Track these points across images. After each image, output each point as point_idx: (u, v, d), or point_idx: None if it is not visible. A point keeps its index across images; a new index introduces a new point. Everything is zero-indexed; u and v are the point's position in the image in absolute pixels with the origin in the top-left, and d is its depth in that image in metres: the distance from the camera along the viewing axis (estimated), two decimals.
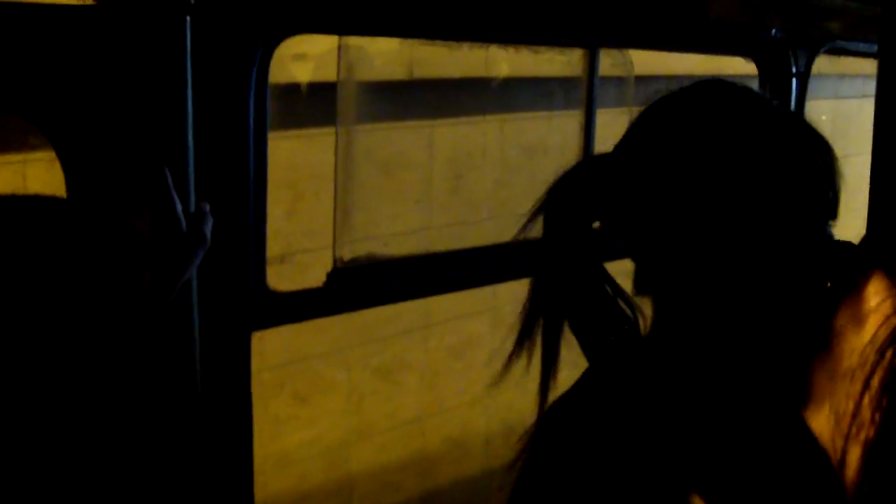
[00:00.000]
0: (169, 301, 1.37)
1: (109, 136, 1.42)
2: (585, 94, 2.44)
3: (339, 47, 2.28)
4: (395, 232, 3.16)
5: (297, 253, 2.86)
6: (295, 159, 2.80)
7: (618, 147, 1.30)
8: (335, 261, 1.85)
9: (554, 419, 1.30)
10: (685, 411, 1.22)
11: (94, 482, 1.02)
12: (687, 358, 1.26)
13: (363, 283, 1.88)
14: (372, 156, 3.00)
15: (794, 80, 2.48)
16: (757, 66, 2.47)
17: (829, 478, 1.20)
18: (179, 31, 1.43)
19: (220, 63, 1.52)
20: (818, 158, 1.21)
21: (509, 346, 1.34)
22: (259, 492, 3.22)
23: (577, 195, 1.29)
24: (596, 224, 1.31)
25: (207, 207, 1.45)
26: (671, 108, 1.26)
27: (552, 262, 1.31)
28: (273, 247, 1.68)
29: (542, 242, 1.32)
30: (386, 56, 2.76)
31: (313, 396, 3.39)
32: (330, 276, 1.83)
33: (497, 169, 3.53)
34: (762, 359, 1.28)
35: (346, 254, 1.86)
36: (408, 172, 3.24)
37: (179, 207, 1.40)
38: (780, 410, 1.26)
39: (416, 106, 3.18)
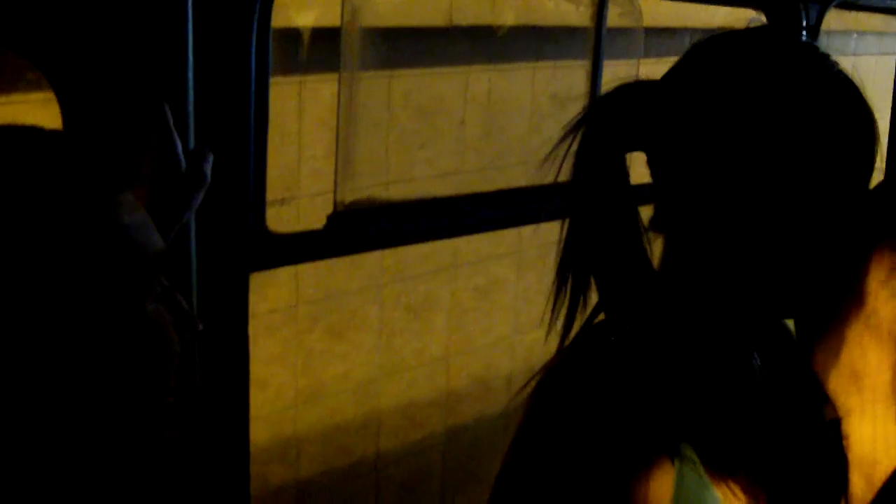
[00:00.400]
0: (167, 241, 1.37)
1: (107, 74, 1.41)
2: (593, 43, 2.43)
3: None
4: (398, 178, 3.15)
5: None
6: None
7: (665, 77, 1.27)
8: (335, 204, 1.85)
9: (555, 378, 1.26)
10: (684, 361, 1.21)
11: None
12: (691, 304, 1.25)
13: (362, 227, 1.87)
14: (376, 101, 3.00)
15: (804, 34, 2.45)
16: (767, 20, 2.45)
17: (832, 434, 1.20)
18: None
19: (222, 5, 1.50)
20: (862, 126, 1.18)
21: (533, 287, 1.33)
22: (291, 425, 3.35)
23: (616, 117, 1.26)
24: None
25: (209, 150, 1.45)
26: (728, 48, 1.24)
27: (586, 191, 1.28)
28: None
29: (576, 166, 1.29)
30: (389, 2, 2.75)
31: (346, 332, 3.40)
32: (330, 218, 1.83)
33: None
34: (771, 312, 1.28)
35: (347, 197, 1.86)
36: (417, 118, 3.22)
37: (180, 146, 1.40)
38: (783, 363, 1.27)
39: (416, 55, 3.16)
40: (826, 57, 1.22)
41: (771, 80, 1.18)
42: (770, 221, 1.18)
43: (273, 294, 3.10)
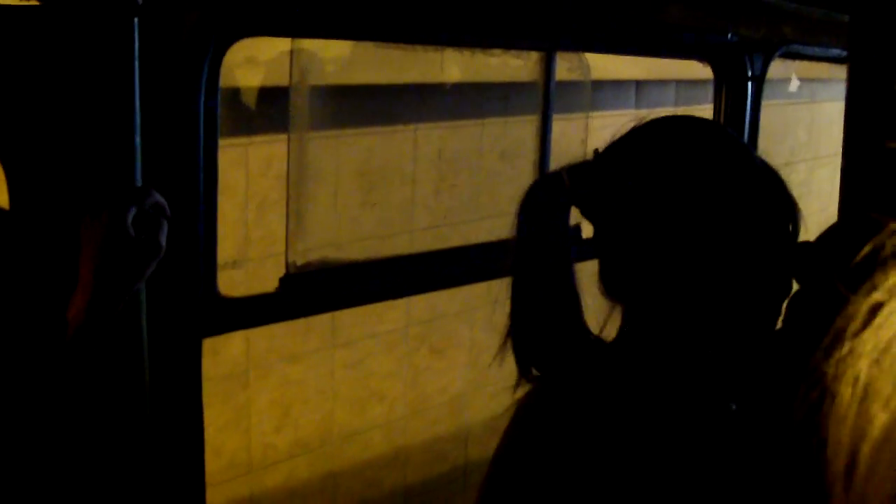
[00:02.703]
0: (117, 309, 1.34)
1: (54, 141, 1.39)
2: (542, 97, 2.44)
3: (292, 52, 2.25)
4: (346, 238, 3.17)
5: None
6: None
7: (602, 157, 1.37)
8: (287, 266, 1.83)
9: (519, 433, 1.32)
10: (652, 419, 1.26)
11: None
12: (655, 363, 1.31)
13: (315, 289, 1.86)
14: (323, 162, 3.00)
15: (749, 83, 2.48)
16: (713, 70, 2.48)
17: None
18: (127, 32, 1.40)
19: (169, 66, 1.49)
20: (778, 190, 1.32)
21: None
22: (400, 437, 3.61)
23: (553, 198, 1.35)
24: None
25: (165, 214, 1.42)
26: (654, 134, 1.35)
27: (528, 261, 1.36)
28: None
29: (518, 243, 1.37)
30: (337, 62, 2.75)
31: (446, 350, 3.67)
32: (282, 281, 1.81)
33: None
34: (732, 365, 1.34)
35: (299, 259, 1.84)
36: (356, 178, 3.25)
37: (131, 216, 1.37)
38: (757, 419, 1.31)
39: (363, 113, 3.18)
40: (740, 142, 1.40)
41: (696, 164, 1.30)
42: (702, 278, 1.28)
43: (389, 316, 3.40)
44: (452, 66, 3.20)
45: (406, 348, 3.52)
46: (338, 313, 3.26)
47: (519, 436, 1.31)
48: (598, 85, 3.60)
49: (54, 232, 1.01)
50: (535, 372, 1.38)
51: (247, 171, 2.76)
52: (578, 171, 1.35)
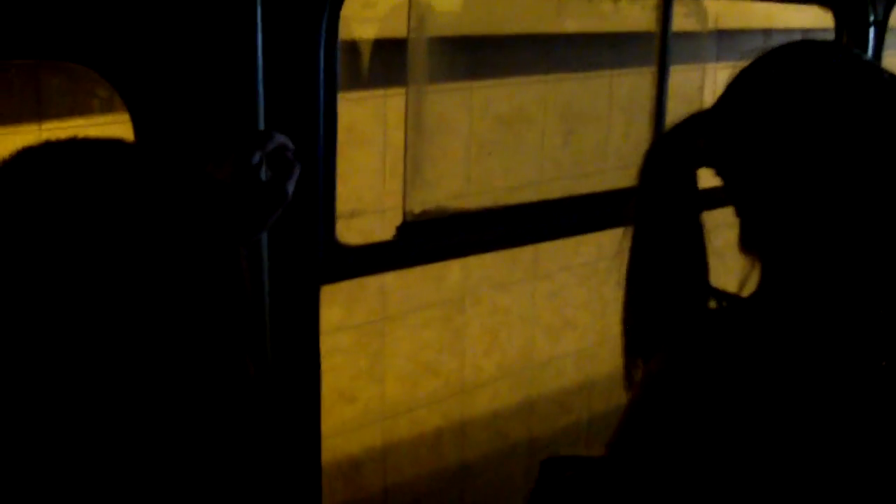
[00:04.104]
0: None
1: (178, 87, 1.41)
2: (658, 47, 2.40)
3: (410, 4, 2.25)
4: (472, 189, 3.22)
5: None
6: None
7: (722, 103, 1.28)
8: (405, 214, 1.84)
9: (660, 388, 1.27)
10: (800, 377, 1.20)
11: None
12: (797, 320, 1.24)
13: (431, 237, 1.87)
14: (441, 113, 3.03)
15: (871, 29, 2.41)
16: (834, 15, 2.41)
17: None
18: None
19: (291, 13, 1.50)
20: None
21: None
22: (588, 364, 3.80)
23: (681, 153, 1.30)
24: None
25: (298, 166, 1.43)
26: (784, 63, 1.25)
27: (652, 215, 1.32)
28: None
29: (641, 197, 1.33)
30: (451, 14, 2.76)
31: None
32: (399, 229, 1.82)
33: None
34: (879, 324, 1.25)
35: (416, 207, 1.85)
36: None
37: (257, 159, 1.38)
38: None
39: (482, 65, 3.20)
40: (873, 64, 1.24)
41: (832, 94, 1.19)
42: (850, 219, 1.18)
43: (583, 250, 3.62)
44: (568, 16, 3.19)
45: (596, 280, 3.65)
46: (540, 246, 3.43)
47: (656, 400, 1.26)
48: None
49: (183, 166, 1.02)
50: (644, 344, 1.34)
51: (385, 122, 2.79)
52: (704, 123, 1.29)
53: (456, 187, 3.02)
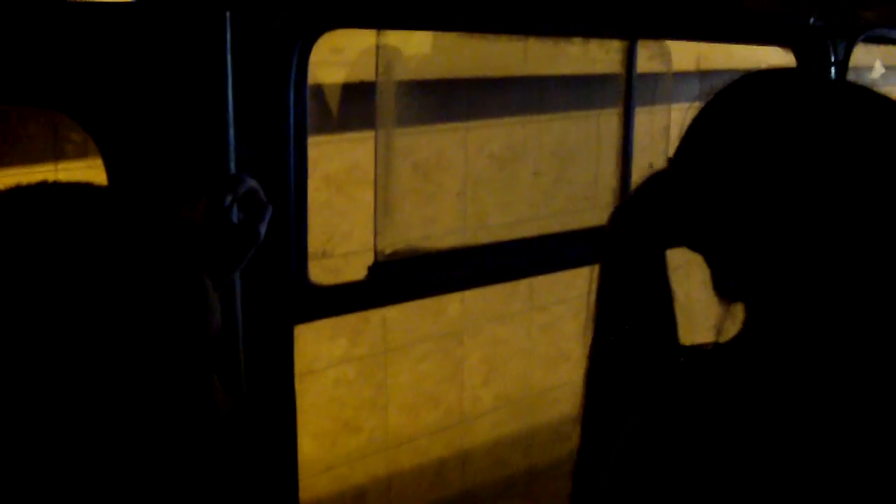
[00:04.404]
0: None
1: (150, 131, 1.43)
2: (624, 88, 2.44)
3: (377, 47, 2.29)
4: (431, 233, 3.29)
5: None
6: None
7: (679, 157, 1.24)
8: (376, 254, 1.86)
9: (640, 437, 1.22)
10: (787, 420, 1.14)
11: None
12: (792, 362, 1.18)
13: (403, 277, 1.89)
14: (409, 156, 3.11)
15: (832, 68, 2.46)
16: (795, 56, 2.46)
17: None
18: (220, 25, 1.45)
19: (260, 58, 1.53)
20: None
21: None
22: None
23: (642, 219, 1.29)
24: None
25: (262, 202, 1.46)
26: (731, 103, 1.21)
27: (618, 281, 1.33)
28: None
29: (605, 263, 1.34)
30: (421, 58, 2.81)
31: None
32: (371, 269, 1.84)
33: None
34: (872, 362, 1.18)
35: (387, 248, 1.88)
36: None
37: (228, 201, 1.41)
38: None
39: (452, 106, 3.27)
40: (829, 82, 1.21)
41: (789, 124, 1.13)
42: (834, 250, 1.12)
43: (576, 283, 3.63)
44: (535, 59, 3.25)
45: (589, 313, 3.66)
46: (535, 280, 3.59)
47: (645, 453, 1.19)
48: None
49: (156, 209, 1.04)
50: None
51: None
52: (663, 179, 1.27)
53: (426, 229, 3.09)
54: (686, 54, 3.87)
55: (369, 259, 1.84)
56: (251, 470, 1.67)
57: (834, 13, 2.40)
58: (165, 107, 1.44)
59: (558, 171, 3.63)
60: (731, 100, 1.21)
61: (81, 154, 2.25)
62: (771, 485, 1.12)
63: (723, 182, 1.16)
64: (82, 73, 1.36)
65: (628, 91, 2.44)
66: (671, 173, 1.26)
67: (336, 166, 3.01)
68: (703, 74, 4.06)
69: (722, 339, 1.26)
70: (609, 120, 2.53)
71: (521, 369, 3.85)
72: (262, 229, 1.44)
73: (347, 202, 3.06)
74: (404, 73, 2.61)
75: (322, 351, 3.41)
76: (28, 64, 1.32)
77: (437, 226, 3.29)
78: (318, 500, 3.54)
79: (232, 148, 1.50)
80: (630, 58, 2.39)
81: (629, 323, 1.32)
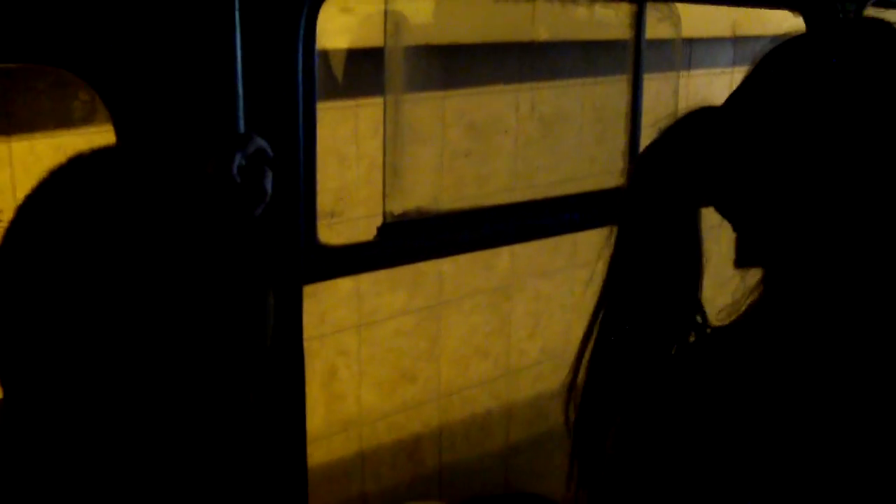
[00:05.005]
0: None
1: (160, 91, 1.44)
2: (632, 54, 2.43)
3: (386, 12, 2.29)
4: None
5: None
6: None
7: (729, 102, 1.21)
8: (385, 215, 1.87)
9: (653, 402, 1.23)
10: (800, 389, 1.14)
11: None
12: (803, 335, 1.16)
13: (412, 238, 1.90)
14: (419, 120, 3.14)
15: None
16: (804, 18, 2.45)
17: None
18: None
19: (269, 16, 1.53)
20: None
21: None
22: None
23: (676, 157, 1.23)
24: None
25: (268, 160, 1.47)
26: (790, 59, 1.17)
27: (647, 219, 1.27)
28: None
29: (635, 200, 1.28)
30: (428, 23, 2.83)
31: None
32: (380, 230, 1.85)
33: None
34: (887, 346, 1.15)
35: (396, 209, 1.89)
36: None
37: (237, 163, 1.42)
38: None
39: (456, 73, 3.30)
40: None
41: (846, 88, 1.09)
42: (873, 227, 1.09)
43: None
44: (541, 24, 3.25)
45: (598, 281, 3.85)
46: (578, 236, 3.66)
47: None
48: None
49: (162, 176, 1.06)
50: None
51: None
52: (700, 123, 1.21)
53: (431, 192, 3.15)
54: (722, 20, 3.93)
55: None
56: (258, 433, 1.68)
57: None
58: (175, 67, 1.44)
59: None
60: (796, 55, 1.17)
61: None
62: (779, 467, 1.12)
63: (774, 138, 1.13)
64: (93, 34, 1.37)
65: (637, 56, 2.43)
66: (717, 119, 1.21)
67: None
68: (737, 41, 4.11)
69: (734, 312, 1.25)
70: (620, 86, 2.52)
71: (563, 324, 3.89)
72: (268, 186, 1.45)
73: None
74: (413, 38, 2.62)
75: (383, 303, 3.54)
76: (39, 23, 1.33)
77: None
78: (378, 446, 3.67)
79: (241, 108, 1.51)
80: (639, 22, 2.38)
81: (648, 293, 1.28)
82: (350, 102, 3.01)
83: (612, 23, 2.57)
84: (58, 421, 1.01)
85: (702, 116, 1.23)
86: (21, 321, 0.97)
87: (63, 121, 2.45)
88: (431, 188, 3.23)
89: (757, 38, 4.06)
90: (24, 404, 1.02)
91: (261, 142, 1.47)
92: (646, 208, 1.27)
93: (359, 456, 3.61)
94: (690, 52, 4.17)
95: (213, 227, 1.06)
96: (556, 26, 3.26)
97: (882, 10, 2.57)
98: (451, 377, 3.77)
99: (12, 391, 1.02)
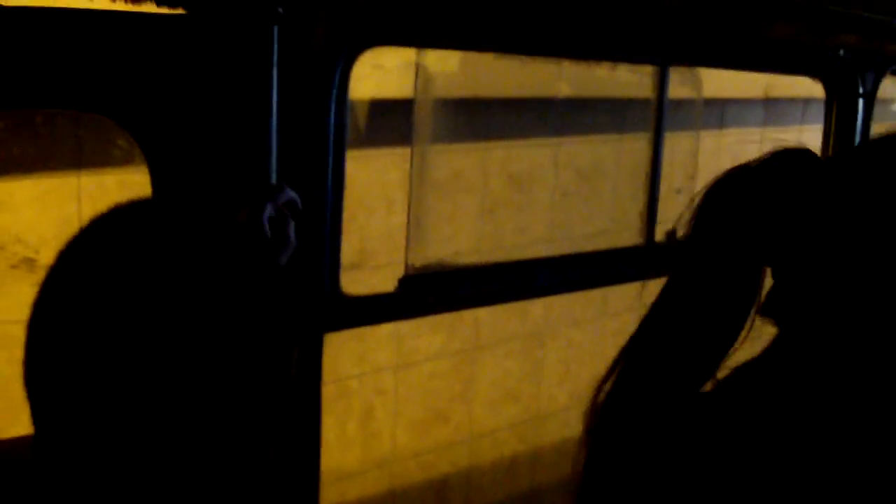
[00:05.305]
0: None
1: (196, 140, 1.47)
2: (654, 113, 2.46)
3: (417, 65, 2.33)
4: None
5: None
6: None
7: (831, 167, 1.21)
8: (407, 267, 1.90)
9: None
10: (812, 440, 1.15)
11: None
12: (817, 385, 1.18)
13: (432, 289, 1.93)
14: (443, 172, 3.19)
15: (860, 100, 2.49)
16: (824, 87, 2.49)
17: None
18: (267, 39, 1.49)
19: (304, 71, 1.57)
20: None
21: None
22: None
23: (749, 208, 1.21)
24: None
25: (296, 211, 1.50)
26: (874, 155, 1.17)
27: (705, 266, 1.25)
28: None
29: (693, 245, 1.26)
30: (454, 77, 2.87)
31: None
32: (402, 281, 1.88)
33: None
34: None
35: (418, 261, 1.91)
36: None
37: (268, 210, 1.45)
38: None
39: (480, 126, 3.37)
40: None
41: None
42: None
43: (649, 291, 3.59)
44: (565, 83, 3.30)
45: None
46: (609, 289, 3.66)
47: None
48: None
49: (196, 226, 1.10)
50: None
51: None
52: (779, 177, 1.20)
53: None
54: (755, 82, 3.99)
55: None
56: (274, 477, 1.70)
57: (861, 44, 2.42)
58: (211, 116, 1.48)
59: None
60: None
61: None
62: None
63: (860, 220, 1.13)
64: (133, 82, 1.41)
65: (659, 116, 2.46)
66: (808, 179, 1.20)
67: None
68: (769, 101, 4.18)
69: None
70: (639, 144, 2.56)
71: (592, 372, 3.91)
72: (293, 236, 1.47)
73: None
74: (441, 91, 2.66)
75: (421, 344, 3.62)
76: (82, 71, 1.36)
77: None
78: (409, 485, 3.73)
79: (274, 158, 1.54)
80: (661, 83, 2.41)
81: (689, 339, 1.28)
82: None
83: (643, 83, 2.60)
84: (85, 458, 1.03)
85: (782, 169, 1.22)
86: (56, 361, 1.01)
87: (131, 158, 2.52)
88: (470, 238, 3.32)
89: (789, 99, 4.12)
90: (56, 440, 1.05)
91: (291, 193, 1.49)
92: (712, 258, 1.25)
93: (390, 494, 3.68)
94: (722, 112, 4.23)
95: (243, 274, 1.09)
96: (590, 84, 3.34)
97: None
98: (482, 419, 3.85)
99: (44, 426, 1.05)
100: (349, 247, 2.88)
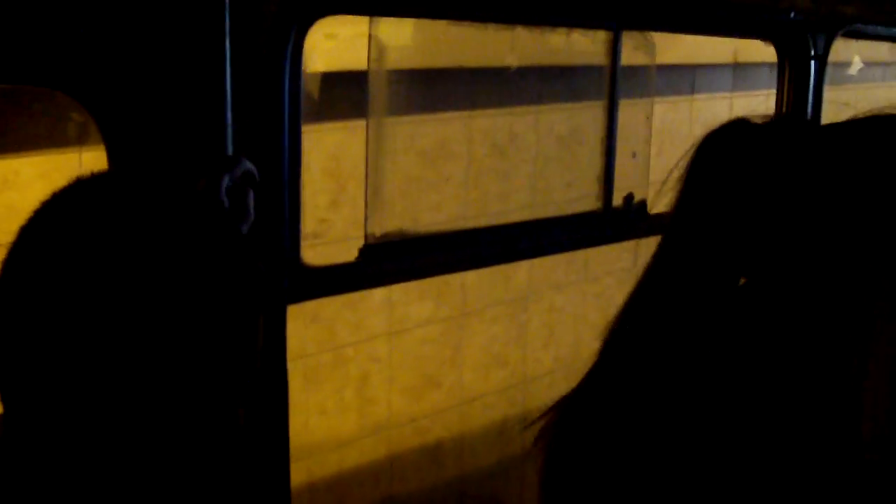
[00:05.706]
0: None
1: (151, 114, 1.47)
2: (608, 80, 2.47)
3: (370, 35, 2.33)
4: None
5: None
6: None
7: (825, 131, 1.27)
8: (367, 237, 1.90)
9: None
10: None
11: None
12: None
13: (393, 259, 1.94)
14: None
15: (812, 63, 2.51)
16: (776, 49, 2.51)
17: None
18: (219, 11, 1.49)
19: (257, 42, 1.57)
20: None
21: None
22: None
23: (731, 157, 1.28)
24: None
25: (253, 182, 1.50)
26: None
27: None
28: None
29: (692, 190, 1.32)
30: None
31: None
32: (362, 251, 1.88)
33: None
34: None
35: (378, 230, 1.92)
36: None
37: (226, 181, 1.45)
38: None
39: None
40: None
41: None
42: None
43: (624, 256, 4.01)
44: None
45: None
46: (590, 252, 3.89)
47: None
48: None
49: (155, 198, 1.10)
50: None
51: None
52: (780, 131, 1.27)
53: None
54: (724, 48, 4.10)
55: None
56: (244, 455, 1.70)
57: (813, 6, 2.44)
58: (164, 90, 1.48)
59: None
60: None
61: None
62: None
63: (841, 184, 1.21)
64: (86, 57, 1.40)
65: (612, 82, 2.47)
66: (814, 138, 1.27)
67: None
68: (738, 66, 4.24)
69: None
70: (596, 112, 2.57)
71: (574, 335, 4.02)
72: (251, 207, 1.48)
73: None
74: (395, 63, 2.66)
75: (411, 312, 3.67)
76: (34, 46, 1.36)
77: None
78: (405, 450, 3.80)
79: (230, 130, 1.54)
80: (615, 49, 2.42)
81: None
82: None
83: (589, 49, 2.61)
84: (55, 434, 1.04)
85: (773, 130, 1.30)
86: (22, 337, 1.01)
87: None
88: (458, 204, 3.38)
89: (756, 64, 4.17)
90: (24, 418, 1.05)
91: (248, 164, 1.50)
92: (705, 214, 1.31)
93: (388, 459, 3.73)
94: (694, 78, 4.30)
95: (204, 244, 1.09)
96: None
97: (850, 40, 2.63)
98: (472, 384, 3.92)
99: (12, 405, 1.05)
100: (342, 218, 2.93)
